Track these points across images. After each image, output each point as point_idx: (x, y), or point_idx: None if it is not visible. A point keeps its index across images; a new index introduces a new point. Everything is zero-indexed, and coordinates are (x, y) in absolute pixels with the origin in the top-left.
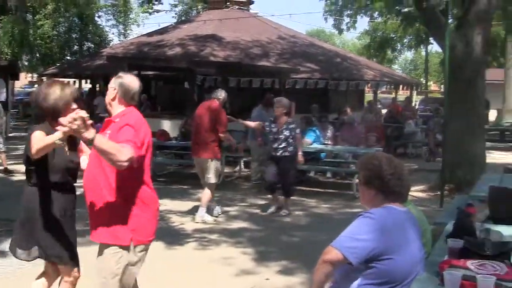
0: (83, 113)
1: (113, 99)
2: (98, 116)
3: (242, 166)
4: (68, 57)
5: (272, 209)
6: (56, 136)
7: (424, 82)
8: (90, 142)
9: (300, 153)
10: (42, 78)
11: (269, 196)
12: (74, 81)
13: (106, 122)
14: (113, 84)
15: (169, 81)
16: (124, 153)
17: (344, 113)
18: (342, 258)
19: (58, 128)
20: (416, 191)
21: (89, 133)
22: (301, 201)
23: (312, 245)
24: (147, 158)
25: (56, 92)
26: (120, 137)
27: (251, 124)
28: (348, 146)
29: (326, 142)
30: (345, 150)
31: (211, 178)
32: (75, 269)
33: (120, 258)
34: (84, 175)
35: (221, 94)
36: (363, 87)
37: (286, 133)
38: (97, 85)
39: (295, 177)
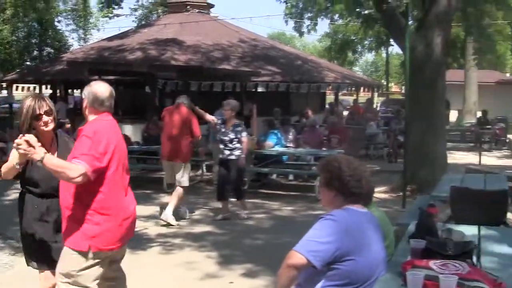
0: (28, 136)
1: (85, 108)
2: (59, 122)
3: (204, 169)
4: (28, 63)
5: (219, 217)
6: (13, 161)
7: (385, 83)
8: (40, 162)
9: (243, 156)
10: (2, 84)
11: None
12: (34, 87)
13: (78, 131)
14: (84, 93)
15: (130, 85)
16: (74, 170)
17: (306, 115)
18: (305, 262)
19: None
20: (379, 193)
21: (37, 155)
22: (264, 204)
23: (276, 247)
24: (115, 166)
25: (24, 106)
26: (76, 151)
27: (208, 117)
28: (309, 149)
29: (288, 145)
30: (307, 153)
31: (185, 181)
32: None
33: (77, 263)
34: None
35: (187, 99)
36: (324, 90)
37: (231, 135)
38: (58, 91)
39: (242, 179)
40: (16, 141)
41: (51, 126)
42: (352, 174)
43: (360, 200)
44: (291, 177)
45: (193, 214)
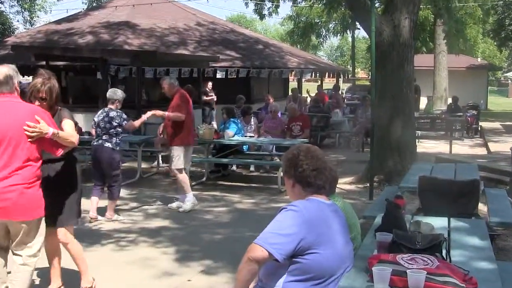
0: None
1: None
2: None
3: (160, 161)
4: None
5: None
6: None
7: (351, 69)
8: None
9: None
10: None
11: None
12: None
13: None
14: None
15: (81, 72)
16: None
17: (266, 102)
18: (267, 255)
19: None
20: (344, 184)
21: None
22: (223, 197)
23: (236, 242)
24: None
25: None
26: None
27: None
28: (271, 138)
29: (248, 134)
30: (269, 142)
31: (179, 163)
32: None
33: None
34: None
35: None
36: (287, 75)
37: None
38: None
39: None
40: (27, 128)
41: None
42: (309, 163)
43: (321, 190)
44: (252, 168)
45: (149, 208)
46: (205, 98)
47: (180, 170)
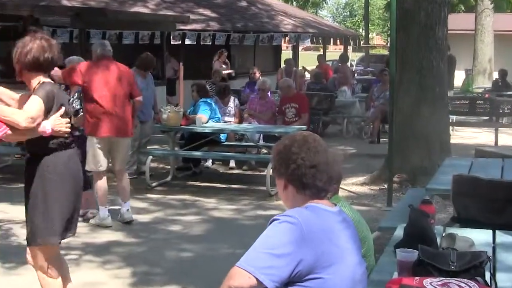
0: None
1: None
2: None
3: None
4: None
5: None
6: None
7: (363, 34)
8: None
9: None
10: None
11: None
12: None
13: None
14: None
15: (3, 36)
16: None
17: (252, 77)
18: (254, 283)
19: None
20: (355, 185)
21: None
22: (195, 202)
23: (212, 262)
24: None
25: None
26: None
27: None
28: (258, 124)
29: (227, 119)
30: (254, 130)
31: (126, 162)
32: None
33: None
34: None
35: (108, 46)
36: (279, 42)
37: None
38: None
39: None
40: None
41: None
42: (305, 157)
43: (321, 194)
44: (232, 163)
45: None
46: (224, 72)
47: (96, 174)
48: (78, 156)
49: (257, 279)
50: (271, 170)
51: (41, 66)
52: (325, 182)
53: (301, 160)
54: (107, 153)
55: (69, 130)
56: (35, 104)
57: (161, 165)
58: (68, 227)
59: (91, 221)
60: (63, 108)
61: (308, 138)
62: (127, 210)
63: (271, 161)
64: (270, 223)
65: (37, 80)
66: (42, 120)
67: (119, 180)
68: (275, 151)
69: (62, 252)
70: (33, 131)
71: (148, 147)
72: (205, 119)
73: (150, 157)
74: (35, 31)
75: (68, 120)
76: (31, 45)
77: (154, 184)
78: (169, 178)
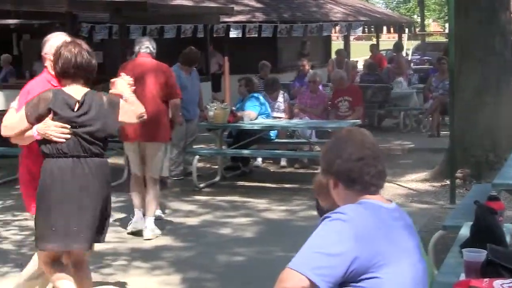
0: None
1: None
2: None
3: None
4: None
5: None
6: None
7: (419, 20)
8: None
9: None
10: None
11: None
12: None
13: None
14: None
15: (41, 33)
16: None
17: (301, 70)
18: (307, 285)
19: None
20: (414, 181)
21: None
22: (245, 203)
23: (264, 266)
24: None
25: None
26: None
27: None
28: (309, 119)
29: (276, 115)
30: (306, 125)
31: (160, 171)
32: None
33: None
34: None
35: (151, 42)
36: (329, 32)
37: None
38: None
39: None
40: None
41: None
42: (352, 151)
43: (371, 189)
44: (283, 162)
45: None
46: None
47: (132, 178)
48: (84, 166)
49: (310, 280)
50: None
51: (68, 74)
52: (374, 176)
53: (346, 154)
54: (140, 159)
55: (59, 135)
56: (8, 113)
57: (208, 165)
58: (67, 238)
59: (128, 228)
60: (51, 113)
61: (353, 132)
62: (146, 227)
63: (320, 161)
64: (322, 221)
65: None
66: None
67: (147, 190)
68: (322, 150)
69: (109, 257)
70: (29, 135)
71: (194, 147)
72: (254, 115)
73: (197, 157)
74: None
75: (58, 124)
76: (61, 53)
77: (201, 185)
78: (217, 179)
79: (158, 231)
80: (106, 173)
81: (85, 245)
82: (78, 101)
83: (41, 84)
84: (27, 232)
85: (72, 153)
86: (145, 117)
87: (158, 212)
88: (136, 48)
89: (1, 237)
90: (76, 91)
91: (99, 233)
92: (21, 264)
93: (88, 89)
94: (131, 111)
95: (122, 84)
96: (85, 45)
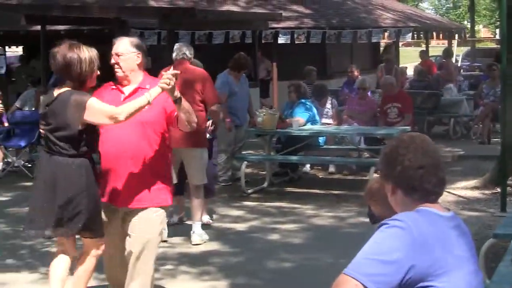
0: (175, 72)
1: (139, 65)
2: None
3: None
4: None
5: (174, 219)
6: (152, 95)
7: (469, 26)
8: (178, 101)
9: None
10: None
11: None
12: None
13: (134, 90)
14: (132, 48)
15: (90, 39)
16: (195, 116)
17: (350, 76)
18: None
19: (159, 85)
20: (464, 188)
21: (177, 92)
22: (293, 209)
23: (314, 272)
24: None
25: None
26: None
27: None
28: (358, 126)
29: (325, 121)
30: (354, 132)
31: (201, 177)
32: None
33: (163, 219)
34: (113, 145)
35: (189, 48)
36: (378, 38)
37: None
38: None
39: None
40: (167, 75)
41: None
42: (413, 158)
43: (431, 197)
44: (332, 168)
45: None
46: None
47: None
48: (50, 163)
49: (364, 286)
50: (373, 174)
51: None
52: (435, 185)
53: (408, 161)
54: (178, 166)
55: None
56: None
57: (255, 171)
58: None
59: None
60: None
61: (415, 138)
62: (194, 232)
63: (377, 165)
64: (378, 227)
65: None
66: None
67: (190, 197)
68: (381, 154)
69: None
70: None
71: (242, 152)
72: (303, 121)
73: (245, 162)
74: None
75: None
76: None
77: (250, 191)
78: (265, 185)
79: (206, 236)
80: (68, 173)
81: (43, 233)
82: (51, 101)
83: (105, 85)
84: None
85: (45, 148)
86: (195, 126)
87: (206, 219)
88: (174, 55)
89: (51, 241)
90: (57, 91)
91: (61, 226)
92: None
93: (67, 89)
94: (184, 118)
95: (168, 77)
96: (64, 47)
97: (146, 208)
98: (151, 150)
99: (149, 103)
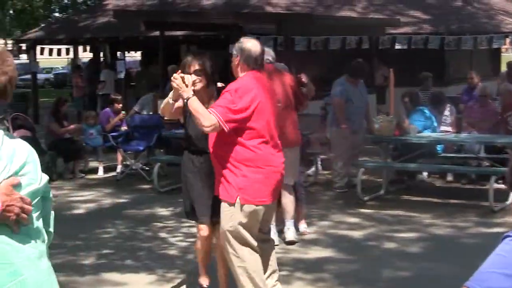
0: (184, 75)
1: (237, 66)
2: (107, 98)
3: (320, 167)
4: (57, 14)
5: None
6: (169, 96)
7: None
8: (186, 101)
9: None
10: (20, 45)
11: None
12: (68, 49)
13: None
14: (234, 50)
15: (206, 44)
16: (207, 119)
17: (470, 83)
18: None
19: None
20: None
21: (186, 93)
22: (410, 218)
23: (432, 282)
24: (261, 121)
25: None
26: (215, 104)
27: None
28: (478, 134)
29: (443, 128)
30: (474, 140)
31: (290, 177)
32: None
33: (231, 216)
34: None
35: (271, 54)
36: (500, 44)
37: None
38: (101, 54)
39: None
40: (174, 75)
41: (198, 86)
42: None
43: None
44: (450, 177)
45: (305, 232)
46: None
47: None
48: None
49: None
50: (494, 184)
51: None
52: None
53: None
54: None
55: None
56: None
57: (372, 178)
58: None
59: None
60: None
61: None
62: (288, 229)
63: (506, 175)
64: (502, 239)
65: None
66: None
67: (282, 195)
68: (510, 163)
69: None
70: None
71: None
72: (419, 129)
73: (362, 169)
74: None
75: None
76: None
77: (366, 198)
78: (382, 192)
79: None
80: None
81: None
82: None
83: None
84: (193, 239)
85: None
86: (204, 129)
87: (303, 227)
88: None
89: (168, 243)
90: None
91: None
92: (186, 270)
93: None
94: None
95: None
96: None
97: (220, 198)
98: (218, 146)
99: (170, 101)
